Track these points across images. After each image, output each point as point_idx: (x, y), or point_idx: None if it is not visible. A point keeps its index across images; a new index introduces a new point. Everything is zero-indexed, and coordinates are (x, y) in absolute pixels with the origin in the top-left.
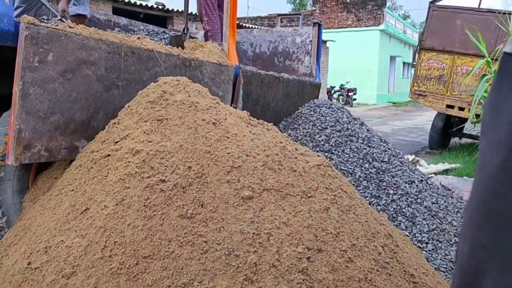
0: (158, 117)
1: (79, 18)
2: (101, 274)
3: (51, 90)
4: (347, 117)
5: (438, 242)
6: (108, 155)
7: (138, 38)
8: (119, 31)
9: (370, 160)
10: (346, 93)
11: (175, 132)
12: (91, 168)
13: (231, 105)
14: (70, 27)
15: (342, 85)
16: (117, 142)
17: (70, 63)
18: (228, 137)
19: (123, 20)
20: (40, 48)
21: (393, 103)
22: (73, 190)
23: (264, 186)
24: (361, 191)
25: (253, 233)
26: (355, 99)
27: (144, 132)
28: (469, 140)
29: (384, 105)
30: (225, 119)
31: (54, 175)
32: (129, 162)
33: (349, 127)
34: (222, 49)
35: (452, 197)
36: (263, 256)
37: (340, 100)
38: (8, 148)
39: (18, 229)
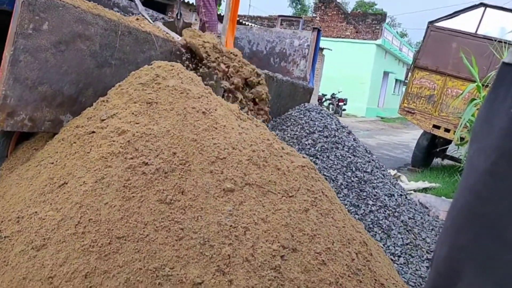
0: (148, 100)
1: None
2: (72, 250)
3: (42, 59)
4: (336, 124)
5: (410, 256)
6: (93, 132)
7: (137, 19)
8: (118, 11)
9: (354, 169)
10: (337, 103)
11: (163, 117)
12: (74, 143)
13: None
14: None
15: (333, 94)
16: (103, 120)
17: (65, 35)
18: (216, 128)
19: (123, 1)
20: (36, 15)
21: (382, 118)
22: (52, 163)
23: (246, 181)
24: (341, 198)
25: (230, 226)
26: (344, 110)
27: (132, 113)
28: (451, 162)
29: (372, 119)
30: (215, 110)
31: (35, 147)
32: (114, 141)
33: (336, 134)
34: (220, 41)
35: (428, 215)
36: (237, 249)
37: (330, 109)
38: None
39: None
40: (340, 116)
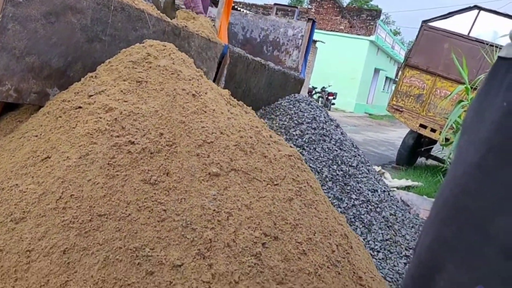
0: (138, 79)
1: None
2: (52, 225)
3: (31, 29)
4: (324, 117)
5: (389, 252)
6: (80, 107)
7: None
8: None
9: (339, 162)
10: (326, 96)
11: (152, 97)
12: (60, 117)
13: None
14: None
15: (323, 87)
16: (91, 95)
17: (56, 6)
18: (205, 111)
19: None
20: None
21: (370, 114)
22: (36, 136)
23: (232, 166)
24: (325, 191)
25: (214, 210)
26: (333, 104)
27: (121, 91)
28: (434, 162)
29: (360, 115)
30: (206, 93)
31: (19, 118)
32: (100, 118)
33: (324, 127)
34: (213, 25)
35: (409, 213)
36: (219, 234)
37: (319, 102)
38: None
39: None
40: (329, 110)
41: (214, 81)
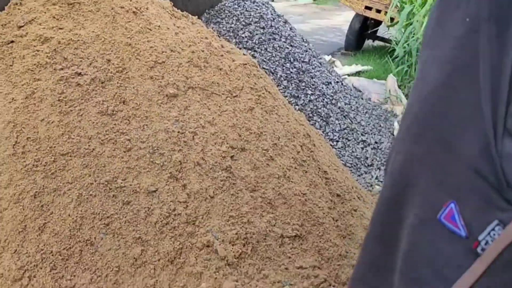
0: (69, 1)
1: None
2: (15, 171)
3: None
4: (272, 14)
5: (347, 140)
6: (12, 42)
7: None
8: None
9: (292, 60)
10: None
11: (89, 19)
12: None
13: None
14: None
15: None
16: (21, 26)
17: None
18: (150, 29)
19: None
20: None
21: (314, 0)
22: None
23: (189, 84)
24: (281, 91)
25: (178, 132)
26: None
27: (53, 17)
28: (381, 43)
29: (305, 2)
30: (147, 9)
31: None
32: (38, 51)
33: (273, 25)
34: None
35: (362, 98)
36: (188, 154)
37: None
38: None
39: None
40: (273, 1)
41: None
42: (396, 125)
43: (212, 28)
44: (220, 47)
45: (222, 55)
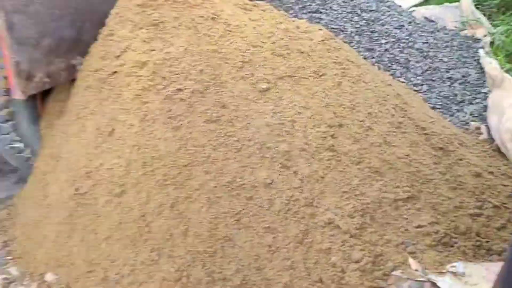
0: (153, 22)
1: None
2: (150, 188)
3: (33, 13)
4: None
5: (431, 81)
6: (115, 72)
7: None
8: None
9: (359, 12)
10: None
11: (175, 35)
12: (102, 88)
13: None
14: None
15: None
16: (118, 56)
17: None
18: (230, 31)
19: None
20: None
21: None
22: (91, 114)
23: (277, 75)
24: (354, 47)
25: (278, 123)
26: None
27: (144, 41)
28: None
29: None
30: (222, 11)
31: (60, 98)
32: (139, 76)
33: None
34: None
35: (438, 31)
36: (292, 142)
37: None
38: (11, 83)
39: (47, 157)
40: None
41: None
42: (481, 52)
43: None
44: (296, 28)
45: (300, 38)
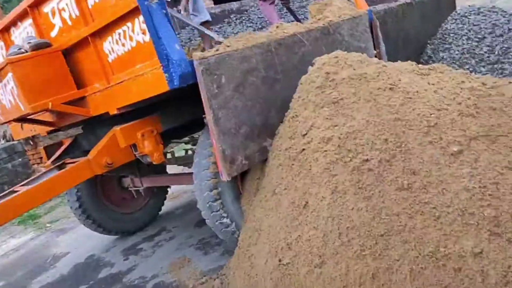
0: (333, 100)
1: (205, 25)
2: (348, 258)
3: (232, 107)
4: (504, 17)
5: None
6: (303, 149)
7: (277, 27)
8: (235, 16)
9: None
10: None
11: (355, 110)
12: (292, 165)
13: (374, 52)
14: (227, 46)
15: None
16: (304, 134)
17: (238, 78)
18: (410, 98)
19: (234, 5)
20: (214, 75)
21: None
22: (285, 189)
23: (469, 136)
24: None
25: (479, 187)
26: None
27: (326, 118)
28: None
29: None
30: (400, 80)
31: (256, 176)
32: (326, 151)
33: (510, 27)
34: (348, 0)
35: None
36: (499, 207)
37: None
38: (219, 167)
39: (249, 230)
40: None
41: (374, 48)
42: None
43: (443, 57)
44: (482, 85)
45: (489, 94)
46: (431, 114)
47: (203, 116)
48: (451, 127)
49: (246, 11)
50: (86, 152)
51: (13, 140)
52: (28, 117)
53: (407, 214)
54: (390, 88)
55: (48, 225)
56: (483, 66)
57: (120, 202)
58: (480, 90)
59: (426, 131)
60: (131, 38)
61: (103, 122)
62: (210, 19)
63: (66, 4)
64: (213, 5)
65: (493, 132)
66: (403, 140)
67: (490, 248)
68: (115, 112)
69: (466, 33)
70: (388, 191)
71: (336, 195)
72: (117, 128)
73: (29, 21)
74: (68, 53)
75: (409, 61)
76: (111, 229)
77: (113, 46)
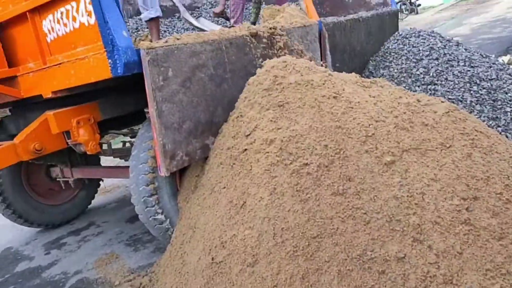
0: (279, 103)
1: (154, 21)
2: (280, 258)
3: (177, 101)
4: (441, 42)
5: None
6: (245, 150)
7: (231, 26)
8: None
9: (477, 81)
10: (409, 1)
11: (299, 114)
12: (233, 164)
13: (320, 62)
14: (177, 39)
15: None
16: (248, 135)
17: (186, 72)
18: (352, 108)
19: (187, 0)
20: (161, 67)
21: None
22: (224, 188)
23: (402, 148)
24: (476, 116)
25: (407, 196)
26: (419, 5)
27: (271, 120)
28: None
29: (452, 3)
30: (343, 90)
31: (195, 174)
32: (267, 152)
33: (445, 52)
34: (300, 8)
35: None
36: (423, 215)
37: (404, 10)
38: (158, 162)
39: (184, 228)
40: (417, 13)
41: (320, 59)
42: None
43: (383, 74)
44: (417, 102)
45: (423, 111)
46: (369, 125)
47: (146, 109)
48: (387, 138)
49: (199, 8)
50: (12, 137)
51: None
52: None
53: (340, 218)
54: (334, 97)
55: None
56: (418, 86)
57: (46, 193)
58: (415, 106)
59: (363, 140)
60: (74, 19)
61: (35, 105)
62: (161, 15)
63: None
64: None
65: (423, 146)
66: (342, 147)
67: (412, 254)
68: (50, 95)
69: (406, 53)
70: (324, 195)
71: (274, 196)
72: (50, 113)
73: None
74: (2, 28)
75: (353, 73)
76: (34, 221)
77: (54, 25)
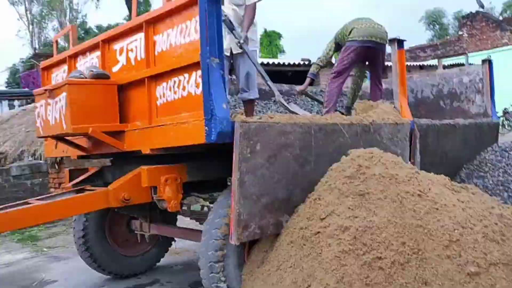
0: (359, 192)
1: (252, 102)
2: None
3: (259, 175)
4: None
5: None
6: (318, 232)
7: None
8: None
9: None
10: None
11: (379, 207)
12: (304, 245)
13: (409, 161)
14: (270, 117)
15: (505, 109)
16: (323, 218)
17: (273, 149)
18: (437, 209)
19: (285, 87)
20: (251, 140)
21: None
22: (291, 267)
23: (490, 260)
24: None
25: None
26: None
27: (349, 208)
28: None
29: None
30: (429, 189)
31: (264, 249)
32: (340, 239)
33: None
34: (394, 107)
35: None
36: None
37: (506, 126)
38: (231, 230)
39: None
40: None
41: (409, 158)
42: None
43: (476, 183)
44: (511, 215)
45: None
46: (454, 230)
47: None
48: (473, 247)
49: (295, 95)
50: (107, 185)
51: (40, 159)
52: (66, 137)
53: None
54: (419, 195)
55: (45, 249)
56: None
57: (123, 243)
58: (509, 219)
59: (446, 245)
60: (184, 88)
61: (132, 159)
62: (258, 97)
63: (136, 46)
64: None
65: None
66: (421, 247)
67: None
68: (147, 151)
69: (504, 166)
70: None
71: (341, 285)
72: (144, 167)
73: (97, 53)
74: (122, 89)
75: (442, 175)
76: (106, 268)
77: (165, 92)
